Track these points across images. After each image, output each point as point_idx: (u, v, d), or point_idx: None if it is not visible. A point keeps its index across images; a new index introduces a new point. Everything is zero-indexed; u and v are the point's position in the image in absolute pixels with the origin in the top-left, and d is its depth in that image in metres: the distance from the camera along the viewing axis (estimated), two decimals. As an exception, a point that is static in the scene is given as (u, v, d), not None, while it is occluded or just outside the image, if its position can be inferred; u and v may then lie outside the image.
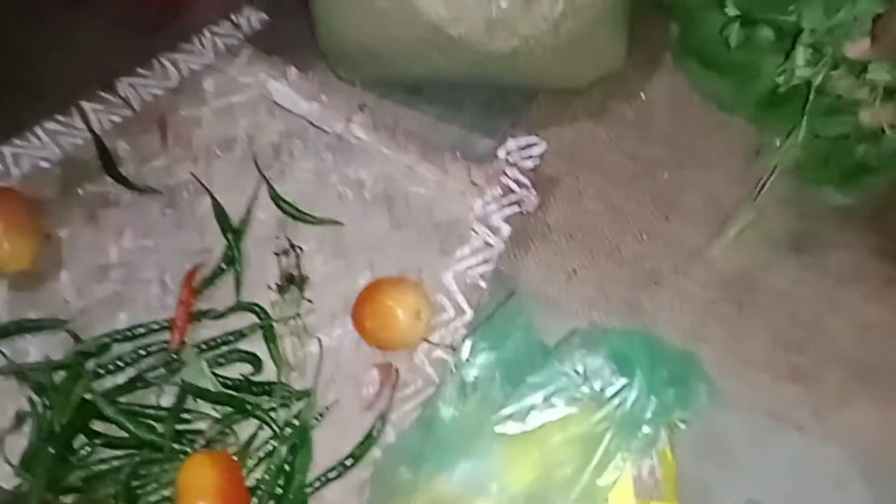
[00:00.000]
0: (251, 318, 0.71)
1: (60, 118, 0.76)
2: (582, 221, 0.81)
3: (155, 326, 0.69)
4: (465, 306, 0.73)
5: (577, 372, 0.63)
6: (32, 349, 0.68)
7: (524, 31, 0.76)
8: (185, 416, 0.66)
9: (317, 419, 0.67)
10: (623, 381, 0.63)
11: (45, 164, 0.75)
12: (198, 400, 0.67)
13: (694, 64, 0.87)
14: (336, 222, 0.76)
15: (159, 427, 0.65)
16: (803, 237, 0.80)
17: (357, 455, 0.66)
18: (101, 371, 0.67)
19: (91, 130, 0.76)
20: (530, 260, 0.78)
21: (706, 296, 0.78)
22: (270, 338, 0.69)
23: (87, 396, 0.64)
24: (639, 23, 0.85)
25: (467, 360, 0.66)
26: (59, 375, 0.66)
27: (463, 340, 0.68)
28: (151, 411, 0.66)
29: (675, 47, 0.89)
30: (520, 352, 0.66)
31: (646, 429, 0.63)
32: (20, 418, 0.65)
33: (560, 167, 0.82)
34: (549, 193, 0.80)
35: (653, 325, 0.75)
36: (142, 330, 0.69)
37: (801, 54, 0.76)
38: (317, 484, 0.65)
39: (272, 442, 0.66)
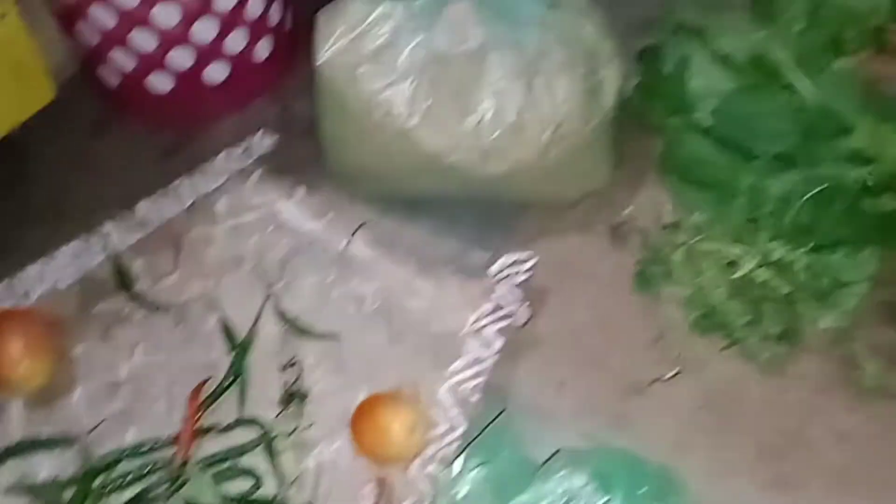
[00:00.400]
0: (254, 431, 0.74)
1: (80, 239, 0.80)
2: (571, 332, 0.84)
3: (161, 442, 0.72)
4: (458, 421, 0.75)
5: (560, 492, 0.66)
6: (44, 465, 0.71)
7: (514, 157, 0.82)
8: (189, 530, 0.69)
9: (315, 534, 0.70)
10: (605, 499, 0.66)
11: (63, 285, 0.79)
12: (201, 515, 0.70)
13: (676, 181, 0.92)
14: (336, 337, 0.80)
15: (164, 543, 0.68)
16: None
17: (353, 570, 0.68)
18: (109, 488, 0.70)
19: (109, 253, 0.81)
20: (521, 371, 0.81)
21: (690, 406, 0.80)
22: (271, 452, 0.73)
23: (96, 514, 0.67)
24: (626, 139, 0.90)
25: (458, 476, 0.69)
26: (70, 490, 0.69)
27: (455, 456, 0.72)
28: (156, 527, 0.69)
29: (659, 165, 0.94)
30: (508, 468, 0.69)
31: (627, 546, 0.66)
32: (31, 535, 0.68)
33: (550, 279, 0.86)
34: (540, 305, 0.84)
35: (638, 435, 0.77)
36: (148, 447, 0.72)
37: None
38: None
39: (271, 557, 0.68)
